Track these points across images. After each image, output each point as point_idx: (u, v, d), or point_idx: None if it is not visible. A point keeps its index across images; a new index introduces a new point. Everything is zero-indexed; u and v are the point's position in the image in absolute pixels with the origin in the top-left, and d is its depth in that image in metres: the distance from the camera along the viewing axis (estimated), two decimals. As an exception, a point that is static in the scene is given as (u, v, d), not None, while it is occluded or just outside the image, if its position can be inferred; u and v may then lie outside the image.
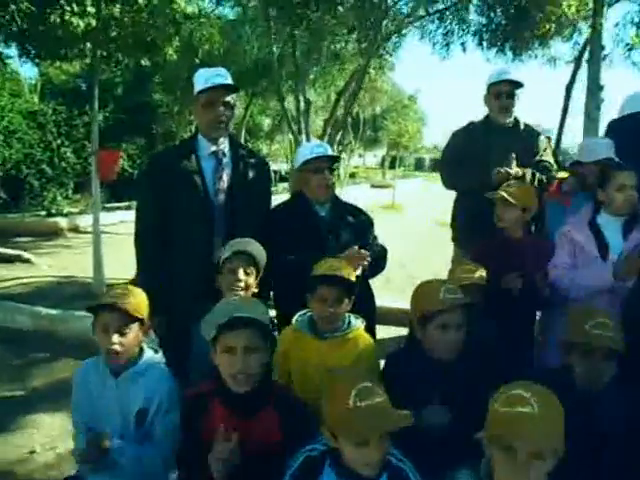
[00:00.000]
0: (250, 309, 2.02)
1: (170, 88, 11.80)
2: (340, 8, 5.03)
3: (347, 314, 2.65)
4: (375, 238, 3.24)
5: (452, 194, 4.14)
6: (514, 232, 3.24)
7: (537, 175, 3.60)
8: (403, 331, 3.24)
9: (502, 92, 3.75)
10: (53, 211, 12.71)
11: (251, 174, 3.06)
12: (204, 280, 2.72)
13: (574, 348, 2.22)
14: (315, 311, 2.61)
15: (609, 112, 6.84)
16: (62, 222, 11.76)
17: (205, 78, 2.93)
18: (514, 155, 3.51)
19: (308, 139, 6.25)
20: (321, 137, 6.95)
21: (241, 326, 1.97)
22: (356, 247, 2.89)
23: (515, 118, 3.84)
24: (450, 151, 4.01)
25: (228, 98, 2.97)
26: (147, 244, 2.99)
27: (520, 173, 3.50)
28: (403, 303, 3.40)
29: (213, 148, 3.00)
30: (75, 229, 11.70)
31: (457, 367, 2.36)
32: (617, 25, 7.11)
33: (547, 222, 3.70)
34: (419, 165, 55.92)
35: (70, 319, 5.62)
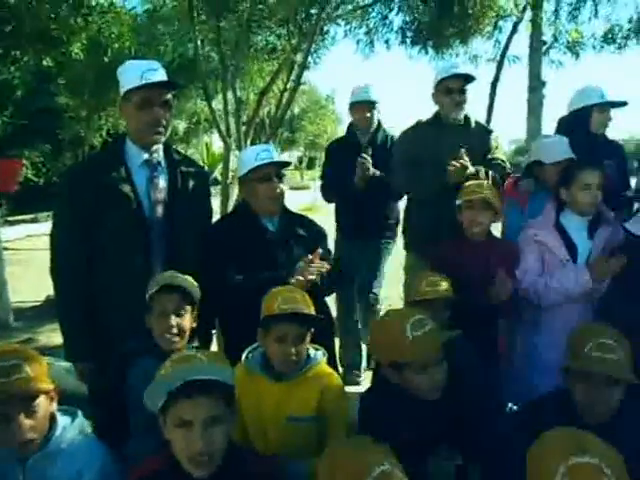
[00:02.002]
0: (209, 368, 1.56)
1: (76, 90, 10.94)
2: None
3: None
4: (330, 252, 2.88)
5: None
6: (480, 235, 3.03)
7: (490, 173, 3.38)
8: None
9: (453, 87, 3.50)
10: (-53, 227, 11.50)
11: (190, 185, 2.62)
12: (140, 310, 2.27)
13: (572, 374, 1.99)
14: (271, 351, 2.22)
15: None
16: (-42, 239, 10.63)
17: (139, 73, 2.44)
18: (464, 150, 3.28)
19: (240, 143, 5.82)
20: (244, 141, 6.54)
21: (199, 393, 1.51)
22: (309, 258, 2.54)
23: (465, 115, 3.61)
24: (400, 154, 3.71)
25: (167, 96, 2.51)
26: (68, 274, 2.48)
27: (474, 170, 3.26)
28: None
29: (145, 156, 2.53)
30: (-26, 246, 10.60)
31: (443, 402, 2.06)
32: (556, 19, 7.14)
33: (504, 222, 3.53)
34: (335, 165, 56.43)
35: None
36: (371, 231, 4.17)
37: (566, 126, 3.68)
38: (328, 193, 4.36)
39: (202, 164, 25.59)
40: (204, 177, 2.80)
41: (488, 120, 7.70)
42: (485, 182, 3.11)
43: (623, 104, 3.61)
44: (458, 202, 3.03)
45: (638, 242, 2.57)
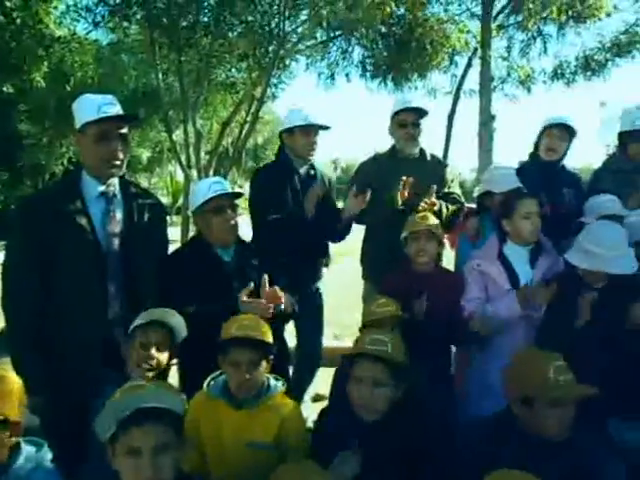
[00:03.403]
0: (159, 397, 1.60)
1: (38, 117, 10.83)
2: (230, 34, 4.81)
3: (266, 375, 2.35)
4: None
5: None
6: (427, 265, 3.14)
7: (446, 206, 3.49)
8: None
9: (407, 121, 3.61)
10: None
11: (146, 217, 2.64)
12: (98, 341, 2.32)
13: (539, 401, 1.98)
14: (229, 377, 2.27)
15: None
16: None
17: (96, 106, 2.47)
18: (435, 187, 3.38)
19: (200, 174, 5.86)
20: (206, 170, 6.59)
21: (148, 421, 1.55)
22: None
23: (421, 149, 3.72)
24: (357, 185, 3.80)
25: (124, 130, 2.54)
26: (19, 306, 2.45)
27: (437, 206, 3.36)
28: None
29: (101, 188, 2.55)
30: None
31: (380, 428, 2.11)
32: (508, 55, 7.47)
33: (457, 254, 3.65)
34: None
35: None
36: (306, 278, 3.62)
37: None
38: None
39: (167, 192, 25.45)
40: (160, 209, 2.83)
41: (446, 150, 7.90)
42: (428, 213, 3.21)
43: (565, 125, 3.52)
44: (404, 234, 3.12)
45: (575, 272, 2.68)
